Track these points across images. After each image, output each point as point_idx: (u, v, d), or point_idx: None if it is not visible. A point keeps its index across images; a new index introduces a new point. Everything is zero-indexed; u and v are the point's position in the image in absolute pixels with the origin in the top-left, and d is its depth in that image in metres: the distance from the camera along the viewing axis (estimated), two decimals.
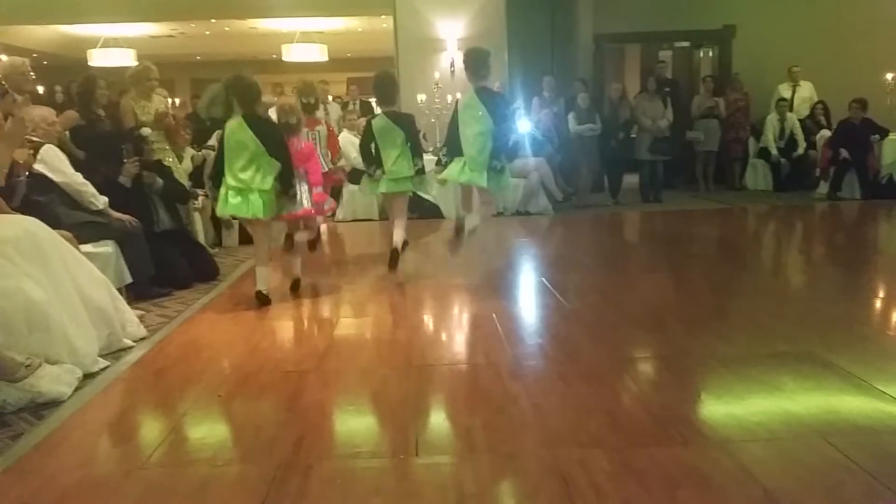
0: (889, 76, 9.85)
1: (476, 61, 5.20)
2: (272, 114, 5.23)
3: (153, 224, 5.35)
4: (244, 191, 4.62)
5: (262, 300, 4.73)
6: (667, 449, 2.54)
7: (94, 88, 5.88)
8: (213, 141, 8.26)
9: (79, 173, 4.75)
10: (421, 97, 9.62)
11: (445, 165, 5.30)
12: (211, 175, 4.98)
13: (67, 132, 5.54)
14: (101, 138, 5.70)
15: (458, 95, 8.69)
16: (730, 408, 2.90)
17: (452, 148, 5.20)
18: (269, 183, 4.64)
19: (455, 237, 5.39)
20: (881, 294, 5.08)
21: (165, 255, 5.17)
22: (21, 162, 4.00)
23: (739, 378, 3.19)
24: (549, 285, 5.31)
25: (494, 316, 4.38)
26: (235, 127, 4.67)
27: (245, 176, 4.61)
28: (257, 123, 4.69)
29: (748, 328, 4.10)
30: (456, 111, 5.32)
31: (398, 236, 5.42)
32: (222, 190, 4.68)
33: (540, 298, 5.06)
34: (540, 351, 3.75)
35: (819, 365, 3.32)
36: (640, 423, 2.77)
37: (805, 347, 3.60)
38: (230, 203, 4.66)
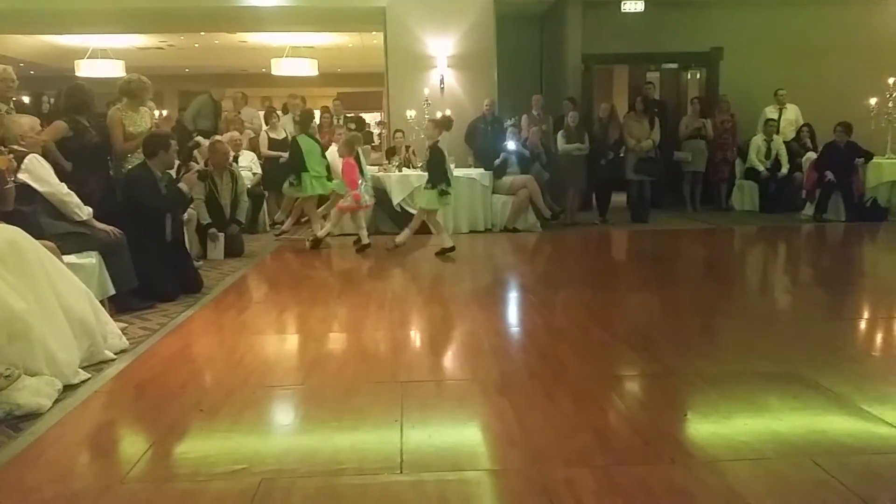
0: (873, 101, 9.96)
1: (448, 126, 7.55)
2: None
3: (164, 235, 5.41)
4: (319, 178, 7.82)
5: (316, 244, 7.58)
6: (653, 468, 2.53)
7: (86, 99, 5.81)
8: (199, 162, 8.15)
9: (63, 184, 4.70)
10: (410, 113, 9.64)
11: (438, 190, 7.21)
12: (295, 169, 7.82)
13: (54, 143, 5.49)
14: (89, 150, 5.65)
15: (448, 112, 8.77)
16: (716, 427, 2.89)
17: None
18: (326, 171, 7.94)
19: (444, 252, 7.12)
20: (866, 315, 5.11)
21: (152, 268, 5.11)
22: (4, 168, 3.95)
23: (726, 397, 3.19)
24: (536, 302, 5.30)
25: (481, 332, 4.37)
26: (305, 140, 7.87)
27: (319, 168, 7.82)
28: (312, 137, 8.05)
29: (735, 347, 4.10)
30: (441, 151, 7.25)
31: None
32: (307, 179, 7.72)
33: (527, 315, 5.05)
34: (526, 368, 3.73)
35: (805, 385, 3.32)
36: (627, 442, 2.75)
37: (791, 367, 3.61)
38: (315, 186, 7.81)
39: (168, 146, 5.51)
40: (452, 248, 7.16)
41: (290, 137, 8.76)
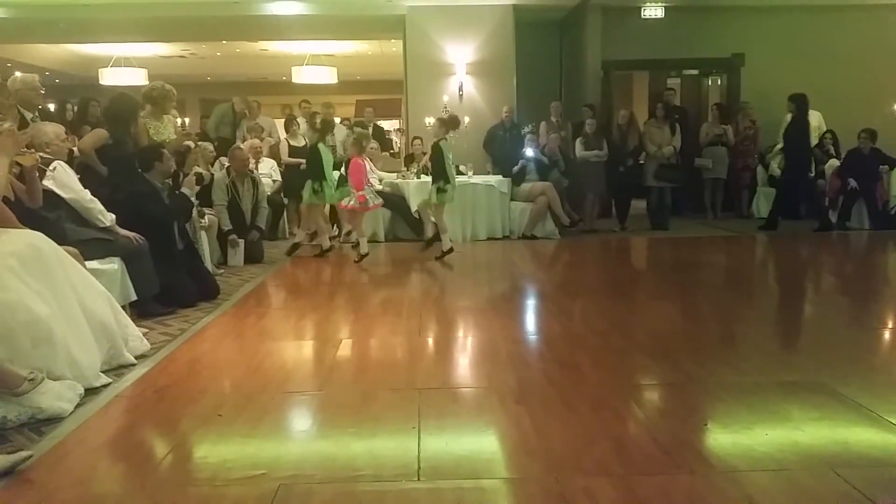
0: None
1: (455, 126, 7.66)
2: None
3: (175, 244, 5.44)
4: (333, 186, 7.63)
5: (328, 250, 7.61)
6: (673, 477, 2.51)
7: (127, 110, 5.84)
8: (216, 168, 8.14)
9: (87, 190, 4.77)
10: (429, 120, 9.67)
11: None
12: (318, 177, 7.55)
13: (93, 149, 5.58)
14: (126, 158, 5.72)
15: (467, 119, 8.76)
16: (737, 437, 2.86)
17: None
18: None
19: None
20: (890, 324, 5.04)
21: (173, 274, 5.17)
22: (29, 165, 4.00)
23: (747, 407, 3.15)
24: (554, 310, 5.28)
25: (499, 339, 4.36)
26: (323, 149, 7.68)
27: (333, 178, 7.67)
28: (328, 147, 7.98)
29: (756, 357, 4.06)
30: (441, 149, 7.36)
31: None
32: (327, 187, 7.54)
33: (545, 323, 5.03)
34: (545, 376, 3.71)
35: (827, 395, 3.28)
36: (647, 451, 2.73)
37: (813, 377, 3.56)
38: (334, 194, 7.64)
39: (161, 156, 5.53)
40: (451, 251, 7.31)
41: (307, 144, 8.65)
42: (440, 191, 7.33)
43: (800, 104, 9.03)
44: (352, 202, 7.34)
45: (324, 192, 7.61)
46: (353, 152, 7.48)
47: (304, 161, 8.75)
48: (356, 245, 7.47)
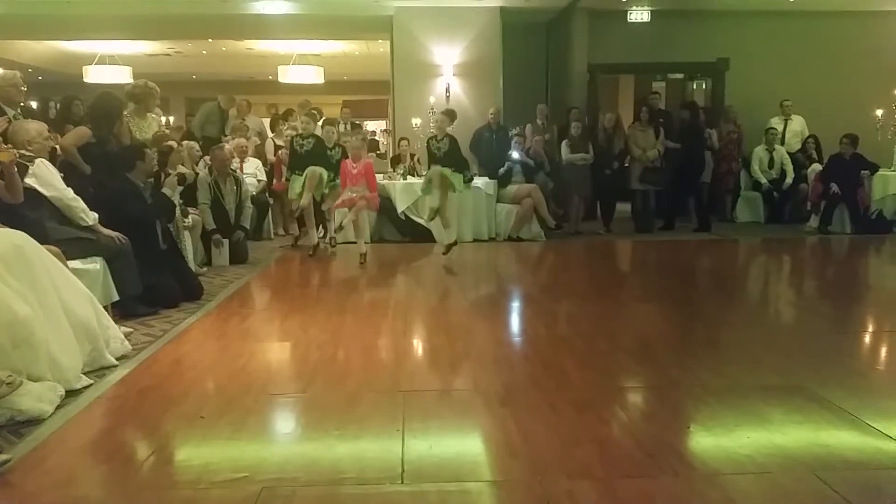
0: (879, 112, 9.95)
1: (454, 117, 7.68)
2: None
3: (158, 243, 5.40)
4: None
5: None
6: (656, 480, 2.52)
7: (112, 109, 5.77)
8: (201, 167, 8.06)
9: (69, 188, 4.72)
10: (416, 121, 9.67)
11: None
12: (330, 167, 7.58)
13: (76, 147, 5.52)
14: (111, 157, 5.67)
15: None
16: (719, 440, 2.88)
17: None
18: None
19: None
20: (871, 328, 5.09)
21: (156, 274, 5.13)
22: (7, 161, 3.94)
23: (729, 410, 3.17)
24: (539, 312, 5.29)
25: (484, 342, 4.36)
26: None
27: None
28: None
29: (739, 360, 4.09)
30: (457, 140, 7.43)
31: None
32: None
33: (530, 325, 5.04)
34: (529, 378, 3.72)
35: (809, 398, 3.31)
36: (630, 454, 2.74)
37: (795, 381, 3.59)
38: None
39: (144, 155, 5.48)
40: (455, 244, 7.40)
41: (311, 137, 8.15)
42: (468, 180, 7.57)
43: (692, 111, 9.90)
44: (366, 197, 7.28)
45: (337, 185, 7.55)
46: (365, 153, 7.47)
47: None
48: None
